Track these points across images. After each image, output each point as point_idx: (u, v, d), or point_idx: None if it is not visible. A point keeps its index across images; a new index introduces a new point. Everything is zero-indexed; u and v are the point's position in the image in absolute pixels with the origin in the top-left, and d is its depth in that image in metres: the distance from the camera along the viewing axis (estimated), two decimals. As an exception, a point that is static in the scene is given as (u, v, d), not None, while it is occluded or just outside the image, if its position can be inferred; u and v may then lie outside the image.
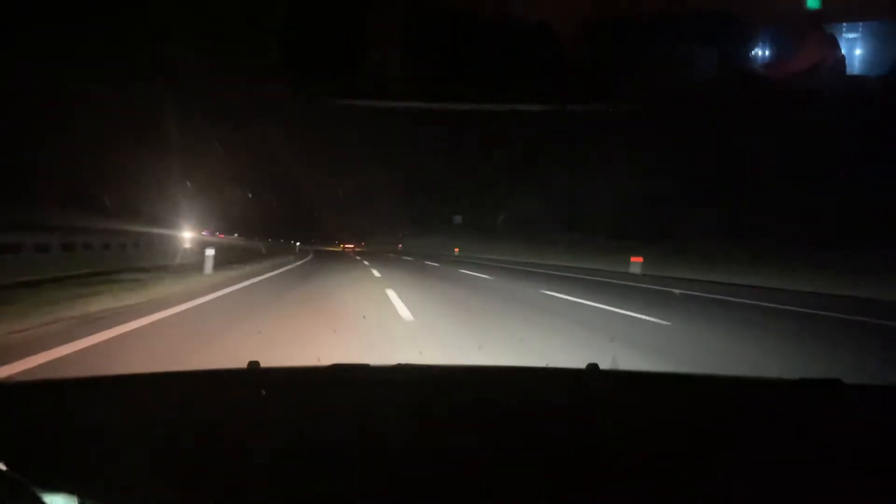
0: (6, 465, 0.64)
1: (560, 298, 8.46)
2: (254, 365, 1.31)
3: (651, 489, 0.76)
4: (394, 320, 5.53)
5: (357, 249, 61.08)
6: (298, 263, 18.21)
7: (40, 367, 3.09)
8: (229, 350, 3.77)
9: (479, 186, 55.41)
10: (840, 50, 1.53)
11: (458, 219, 54.36)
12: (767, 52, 1.54)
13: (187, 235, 18.94)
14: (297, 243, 48.74)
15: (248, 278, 10.41)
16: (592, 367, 1.42)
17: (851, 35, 1.51)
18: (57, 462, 0.76)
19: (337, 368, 1.29)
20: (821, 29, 1.50)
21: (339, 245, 75.85)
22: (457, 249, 41.03)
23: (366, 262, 20.30)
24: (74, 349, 3.57)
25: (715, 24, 1.45)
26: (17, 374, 2.96)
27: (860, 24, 1.51)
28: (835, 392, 1.22)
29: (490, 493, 0.73)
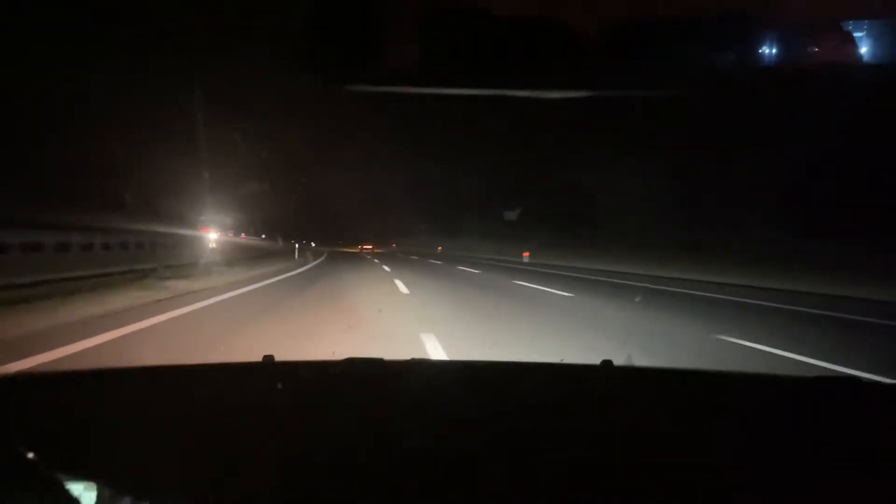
0: (30, 453, 0.64)
1: None
2: (268, 359, 1.31)
3: (666, 487, 0.74)
4: None
5: (376, 251, 50.92)
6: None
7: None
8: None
9: (547, 175, 43.63)
10: (857, 46, 1.45)
11: (511, 214, 41.45)
12: (785, 50, 1.46)
13: (205, 236, 19.66)
14: (306, 243, 43.07)
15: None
16: (607, 364, 1.38)
17: (857, 34, 1.47)
18: (76, 451, 0.77)
19: (351, 362, 1.25)
20: (838, 26, 1.43)
21: (358, 247, 64.88)
22: (527, 254, 28.42)
23: (403, 288, 9.58)
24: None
25: (733, 24, 1.40)
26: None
27: (866, 22, 1.46)
28: (852, 389, 1.18)
29: (505, 489, 0.72)
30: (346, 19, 1.37)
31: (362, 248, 57.92)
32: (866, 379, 1.18)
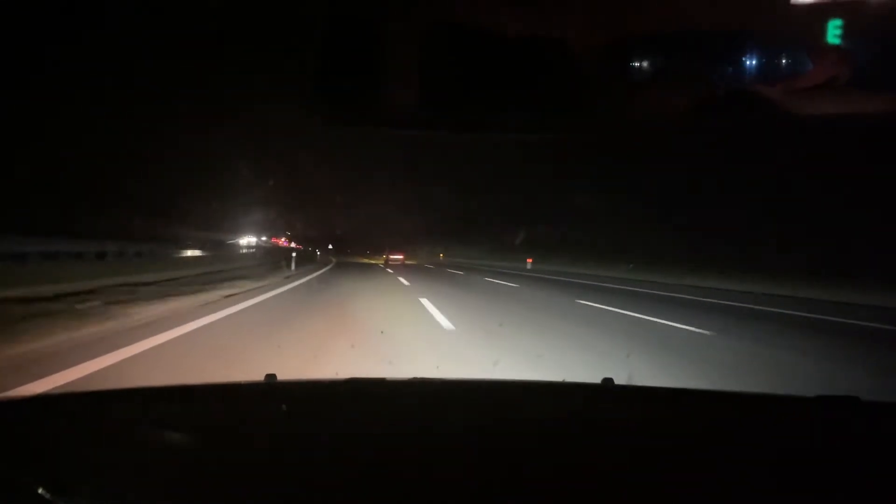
0: (34, 481, 0.60)
1: None
2: (271, 378, 1.22)
3: None
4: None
5: (407, 262, 33.25)
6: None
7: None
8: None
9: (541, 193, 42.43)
10: (852, 66, 1.36)
11: (518, 238, 38.43)
12: (783, 68, 1.40)
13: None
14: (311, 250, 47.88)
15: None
16: (608, 382, 1.29)
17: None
18: (75, 474, 0.71)
19: (354, 382, 1.19)
20: (836, 46, 1.31)
21: (381, 256, 39.15)
22: (530, 260, 27.11)
23: (444, 321, 5.90)
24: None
25: (732, 42, 1.36)
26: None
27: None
28: (852, 409, 1.11)
29: None
30: (348, 65, 1.32)
31: (388, 259, 33.60)
32: (866, 398, 1.07)
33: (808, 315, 7.71)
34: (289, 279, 11.58)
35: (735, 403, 1.30)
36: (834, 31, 1.26)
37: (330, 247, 70.69)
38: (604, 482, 0.75)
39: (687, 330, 5.47)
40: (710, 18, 1.33)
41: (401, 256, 34.05)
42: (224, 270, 12.08)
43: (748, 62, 1.41)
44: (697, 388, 1.47)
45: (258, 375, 1.22)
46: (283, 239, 59.30)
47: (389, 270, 19.08)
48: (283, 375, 1.23)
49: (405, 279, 13.39)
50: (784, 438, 1.00)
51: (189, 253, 18.34)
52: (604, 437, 1.00)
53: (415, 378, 1.29)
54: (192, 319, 4.83)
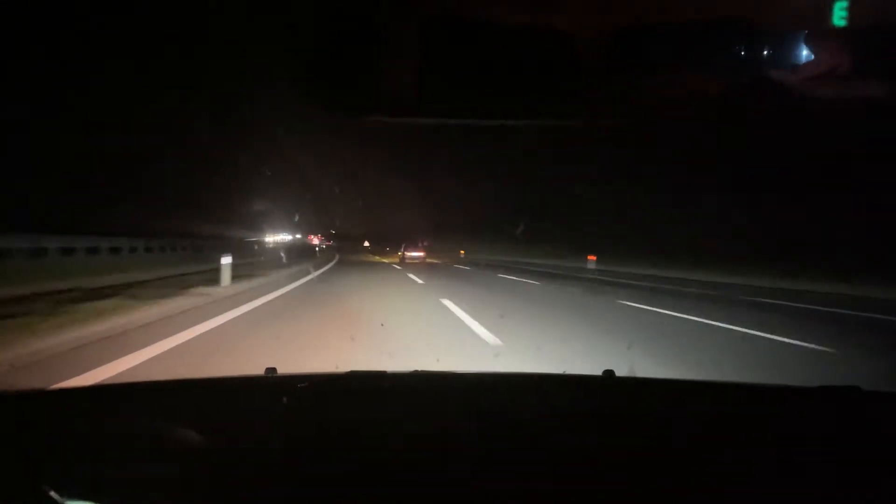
0: (42, 480, 0.58)
1: None
2: (271, 371, 1.24)
3: (668, 498, 0.68)
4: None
5: (430, 260, 27.92)
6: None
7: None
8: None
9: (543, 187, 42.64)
10: (854, 53, 1.33)
11: (518, 229, 41.81)
12: (783, 58, 1.36)
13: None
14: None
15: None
16: (609, 374, 1.30)
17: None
18: (76, 469, 0.72)
19: (354, 375, 1.19)
20: (838, 33, 1.31)
21: (397, 254, 31.36)
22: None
23: None
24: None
25: (732, 31, 1.34)
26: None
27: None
28: (853, 398, 1.11)
29: (504, 502, 0.67)
30: (346, 50, 1.30)
31: (405, 256, 28.00)
32: (867, 388, 1.06)
33: None
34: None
35: (736, 394, 1.29)
36: (840, 13, 1.24)
37: (366, 244, 73.81)
38: (605, 474, 0.76)
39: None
40: (707, 7, 1.30)
41: (422, 254, 28.42)
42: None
43: (748, 52, 1.38)
44: (697, 380, 1.45)
45: None
46: (317, 236, 64.43)
47: (419, 281, 13.53)
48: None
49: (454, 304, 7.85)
50: (786, 429, 1.00)
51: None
52: (605, 428, 1.00)
53: (415, 371, 1.28)
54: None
